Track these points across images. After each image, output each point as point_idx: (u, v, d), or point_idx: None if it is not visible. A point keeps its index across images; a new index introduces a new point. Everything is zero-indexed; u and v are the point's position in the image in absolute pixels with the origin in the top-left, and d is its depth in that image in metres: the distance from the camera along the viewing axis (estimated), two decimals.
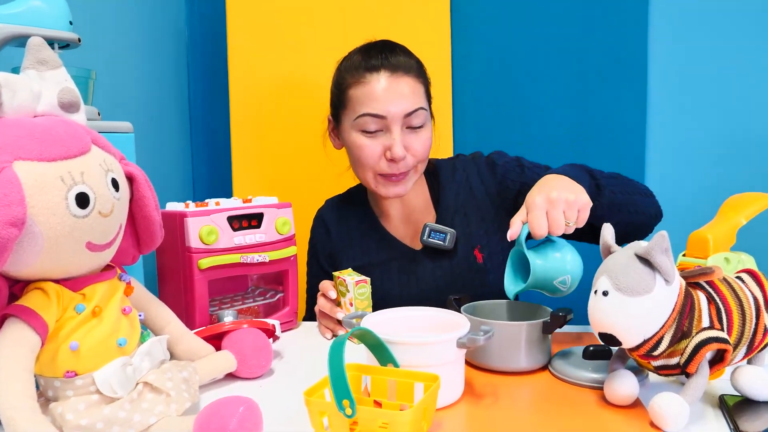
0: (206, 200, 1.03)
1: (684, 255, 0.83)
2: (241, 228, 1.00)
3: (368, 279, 1.00)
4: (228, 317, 0.93)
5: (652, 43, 1.45)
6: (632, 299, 0.65)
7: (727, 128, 1.45)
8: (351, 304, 0.99)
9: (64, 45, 0.88)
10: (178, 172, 1.68)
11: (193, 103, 1.72)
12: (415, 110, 1.04)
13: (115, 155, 0.73)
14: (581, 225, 0.85)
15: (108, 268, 0.73)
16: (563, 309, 0.83)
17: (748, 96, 1.44)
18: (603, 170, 1.04)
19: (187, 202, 1.00)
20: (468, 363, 0.86)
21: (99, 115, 0.88)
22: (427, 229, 1.10)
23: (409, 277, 1.14)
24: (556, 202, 0.83)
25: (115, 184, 0.69)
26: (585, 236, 0.96)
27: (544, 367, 0.86)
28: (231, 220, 0.99)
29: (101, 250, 0.68)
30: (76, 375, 0.64)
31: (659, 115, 1.47)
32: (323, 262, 1.23)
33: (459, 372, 0.76)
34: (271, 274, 1.10)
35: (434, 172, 1.19)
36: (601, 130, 1.48)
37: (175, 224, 0.97)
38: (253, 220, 1.02)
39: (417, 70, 1.07)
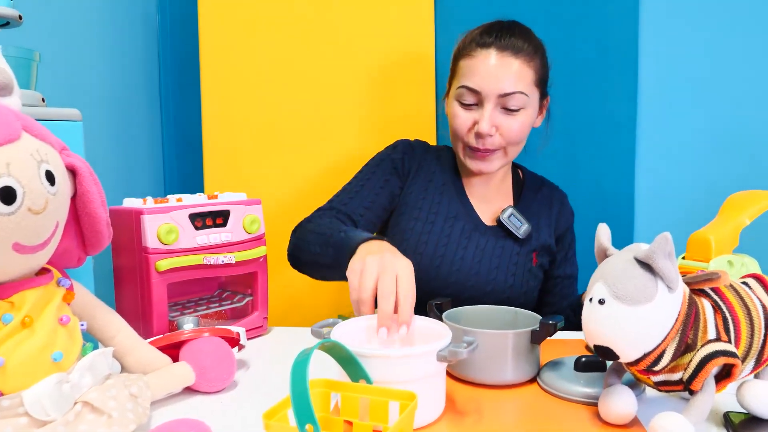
0: (167, 196, 0.94)
1: (684, 258, 0.77)
2: (204, 226, 0.92)
3: None
4: (188, 324, 0.85)
5: (643, 36, 1.39)
6: (632, 308, 0.58)
7: (722, 124, 1.39)
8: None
9: (4, 23, 0.79)
10: (149, 167, 1.59)
11: (164, 95, 1.64)
12: (512, 93, 1.04)
13: (54, 145, 0.65)
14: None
15: (44, 272, 0.65)
16: (553, 317, 0.77)
17: (742, 91, 1.38)
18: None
19: (146, 198, 0.92)
20: (449, 374, 0.79)
21: (43, 101, 0.79)
22: (510, 210, 1.12)
23: (468, 242, 1.11)
24: None
25: (50, 177, 0.60)
26: None
27: (533, 380, 0.79)
28: (193, 218, 0.91)
29: (32, 252, 0.59)
30: (1, 395, 0.56)
31: (650, 110, 1.41)
32: (391, 172, 1.14)
33: (439, 388, 0.68)
34: (240, 276, 1.02)
35: (521, 175, 1.22)
36: (589, 127, 1.42)
37: (132, 222, 0.88)
38: (219, 218, 0.94)
39: (530, 54, 1.06)
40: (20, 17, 0.78)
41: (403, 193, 1.15)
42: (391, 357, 0.64)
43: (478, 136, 1.06)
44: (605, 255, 0.65)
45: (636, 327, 0.58)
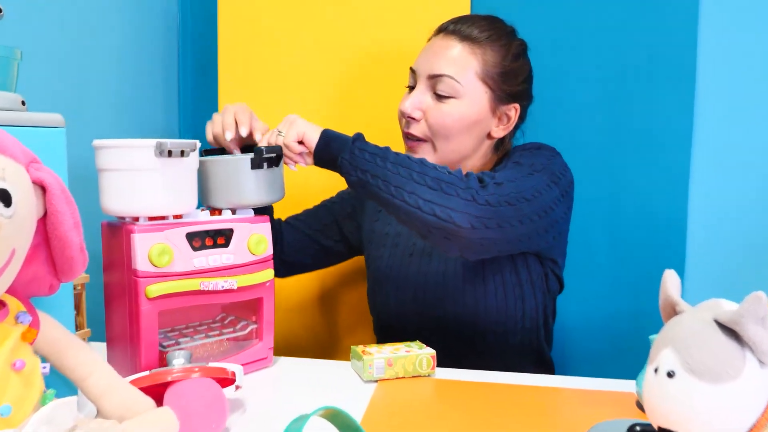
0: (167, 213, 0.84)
1: None
2: (203, 247, 0.82)
3: None
4: (178, 359, 0.74)
5: (702, 42, 1.25)
6: (710, 386, 0.46)
7: None
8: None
9: None
10: None
11: (183, 101, 1.55)
12: (440, 75, 0.97)
13: (17, 158, 0.55)
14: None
15: None
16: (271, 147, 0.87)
17: None
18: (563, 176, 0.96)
19: (140, 214, 0.82)
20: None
21: (23, 104, 0.70)
22: None
23: (431, 259, 1.03)
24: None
25: (5, 198, 0.51)
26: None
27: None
28: (191, 237, 0.81)
29: None
30: None
31: (708, 124, 1.27)
32: (352, 199, 1.17)
33: None
34: (244, 301, 0.92)
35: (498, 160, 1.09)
36: (639, 136, 1.27)
37: (122, 240, 0.79)
38: (220, 238, 0.84)
39: (480, 43, 0.98)
40: (0, 10, 0.69)
41: (360, 218, 1.15)
42: None
43: (402, 118, 1.02)
44: (674, 311, 0.52)
45: (715, 410, 0.46)
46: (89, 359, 0.65)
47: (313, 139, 0.89)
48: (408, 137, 1.03)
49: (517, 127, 1.06)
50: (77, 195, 0.88)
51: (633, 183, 1.28)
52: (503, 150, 1.08)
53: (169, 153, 0.72)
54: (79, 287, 1.01)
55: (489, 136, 1.03)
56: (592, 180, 1.24)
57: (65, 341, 0.64)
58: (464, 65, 0.98)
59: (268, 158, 0.86)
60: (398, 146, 1.24)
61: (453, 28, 1.00)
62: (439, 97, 0.98)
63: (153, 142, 0.72)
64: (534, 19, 1.16)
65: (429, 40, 1.05)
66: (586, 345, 1.31)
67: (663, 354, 0.49)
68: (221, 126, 0.94)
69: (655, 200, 1.27)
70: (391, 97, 1.34)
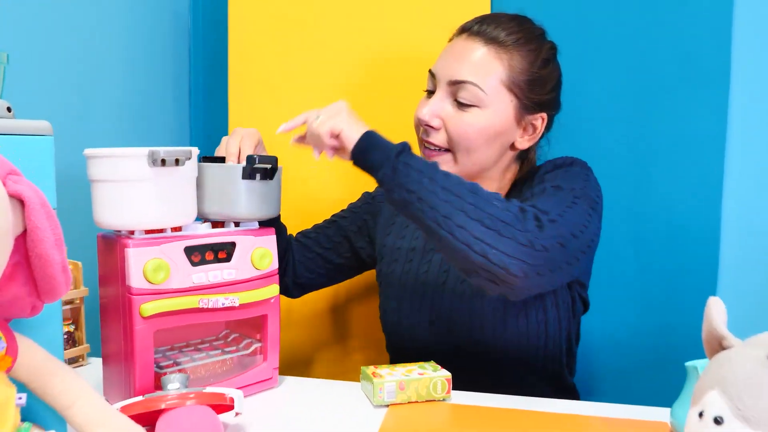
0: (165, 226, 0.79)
1: None
2: (203, 262, 0.78)
3: None
4: (173, 384, 0.70)
5: (737, 39, 1.18)
6: None
7: None
8: None
9: None
10: None
11: (194, 105, 1.51)
12: (462, 82, 0.89)
13: None
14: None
15: None
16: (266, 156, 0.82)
17: None
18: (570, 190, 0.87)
19: (136, 227, 0.78)
20: None
21: (10, 110, 0.66)
22: None
23: (447, 279, 0.96)
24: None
25: None
26: None
27: None
28: (190, 251, 0.76)
29: None
30: None
31: (742, 131, 1.19)
32: (363, 214, 1.11)
33: None
34: (247, 318, 0.87)
35: (522, 173, 1.01)
36: (669, 143, 1.20)
37: (116, 255, 0.74)
38: (221, 252, 0.79)
39: (506, 47, 0.90)
40: None
41: (374, 232, 1.08)
42: None
43: (419, 126, 0.94)
44: (720, 346, 0.46)
45: None
46: (75, 386, 0.60)
47: (351, 139, 0.80)
48: (425, 145, 0.95)
49: (542, 136, 0.98)
50: (78, 206, 0.85)
51: (662, 193, 1.21)
52: (528, 162, 1.00)
53: (163, 162, 0.68)
54: (78, 301, 0.97)
55: (512, 146, 0.95)
56: (619, 190, 1.17)
57: (48, 367, 0.59)
58: (489, 71, 0.89)
59: (261, 169, 0.81)
60: None
61: (477, 29, 0.91)
62: (461, 105, 0.90)
63: (145, 150, 0.67)
64: (557, 18, 1.08)
65: (450, 40, 0.96)
66: (612, 365, 1.24)
67: (709, 397, 0.42)
68: (225, 151, 0.90)
69: (686, 211, 1.19)
70: (405, 100, 1.28)
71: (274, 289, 0.84)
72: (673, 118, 1.20)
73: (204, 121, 1.53)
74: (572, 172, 0.90)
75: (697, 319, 1.19)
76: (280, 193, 0.88)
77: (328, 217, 1.14)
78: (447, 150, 0.92)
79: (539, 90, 0.92)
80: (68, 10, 1.08)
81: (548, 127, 0.97)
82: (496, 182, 0.98)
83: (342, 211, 1.13)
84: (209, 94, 1.51)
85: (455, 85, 0.89)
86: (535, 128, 0.94)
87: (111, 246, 0.75)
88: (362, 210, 1.11)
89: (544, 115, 0.94)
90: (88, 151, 0.71)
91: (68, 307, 0.95)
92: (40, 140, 0.65)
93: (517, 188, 0.98)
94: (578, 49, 1.20)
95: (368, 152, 0.80)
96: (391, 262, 1.03)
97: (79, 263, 0.95)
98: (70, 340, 0.95)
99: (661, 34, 1.19)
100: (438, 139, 0.92)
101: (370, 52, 1.27)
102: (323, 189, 1.30)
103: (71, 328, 0.95)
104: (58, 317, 0.68)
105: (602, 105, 1.23)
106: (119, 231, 0.76)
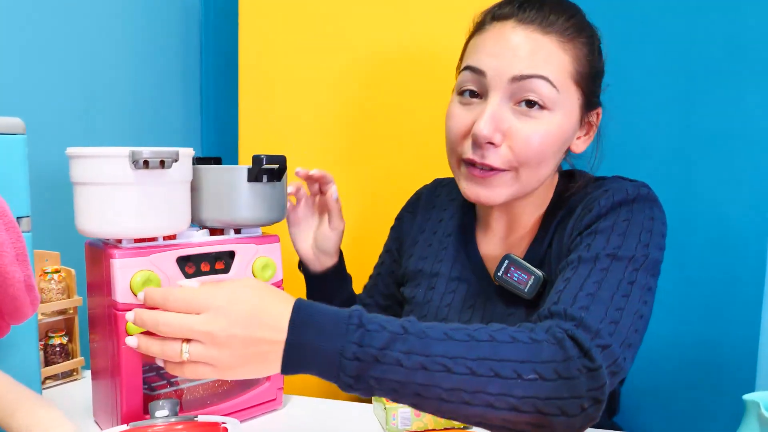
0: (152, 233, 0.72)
1: None
2: (198, 273, 0.70)
3: None
4: (161, 410, 0.62)
5: None
6: None
7: None
8: None
9: None
10: None
11: (205, 103, 1.45)
12: (531, 76, 0.70)
13: None
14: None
15: None
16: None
17: None
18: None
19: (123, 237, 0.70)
20: None
21: None
22: (506, 262, 0.78)
23: (472, 313, 0.82)
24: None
25: None
26: None
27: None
28: (183, 261, 0.69)
29: None
30: None
31: None
32: (392, 244, 0.98)
33: None
34: None
35: (563, 188, 0.82)
36: (715, 140, 1.09)
37: (101, 266, 0.67)
38: (219, 262, 0.72)
39: (569, 33, 0.73)
40: None
41: (404, 251, 0.94)
42: None
43: (476, 143, 0.73)
44: None
45: None
46: (46, 418, 0.53)
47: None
48: (469, 164, 0.75)
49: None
50: (73, 210, 0.78)
51: (706, 195, 1.10)
52: (583, 180, 0.81)
53: (146, 164, 0.60)
54: (72, 311, 0.91)
55: (565, 151, 0.80)
56: (660, 190, 1.08)
57: (17, 398, 0.53)
58: (558, 64, 0.72)
59: (269, 170, 0.73)
60: (433, 166, 1.09)
61: (525, 16, 0.73)
62: (526, 109, 0.72)
63: (126, 150, 0.60)
64: (596, 4, 0.99)
65: (482, 29, 0.77)
66: (652, 383, 1.14)
67: None
68: None
69: (730, 214, 1.09)
70: (419, 98, 1.20)
71: None
72: (720, 113, 1.09)
73: (215, 120, 1.47)
74: (635, 220, 0.72)
75: (742, 333, 1.07)
76: (286, 196, 0.80)
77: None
78: (507, 169, 0.74)
79: (598, 81, 0.79)
80: (73, 4, 1.02)
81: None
82: (540, 199, 0.81)
83: (381, 255, 1.01)
84: (220, 93, 1.45)
85: (521, 81, 0.71)
86: (591, 127, 0.80)
87: (97, 256, 0.68)
88: (392, 246, 0.98)
89: (600, 110, 0.80)
90: (69, 151, 0.64)
91: (61, 317, 0.89)
92: (11, 139, 0.58)
93: (558, 208, 0.81)
94: (617, 37, 1.10)
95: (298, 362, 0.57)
96: (412, 287, 0.90)
97: (73, 271, 0.89)
98: (63, 353, 0.89)
99: (710, 21, 1.09)
100: (500, 158, 0.73)
101: (385, 47, 1.19)
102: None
103: (64, 340, 0.89)
104: (33, 337, 0.62)
105: (642, 99, 1.13)
106: (108, 240, 0.69)
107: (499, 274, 0.78)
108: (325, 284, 0.93)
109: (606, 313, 0.63)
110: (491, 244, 0.85)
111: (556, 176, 0.84)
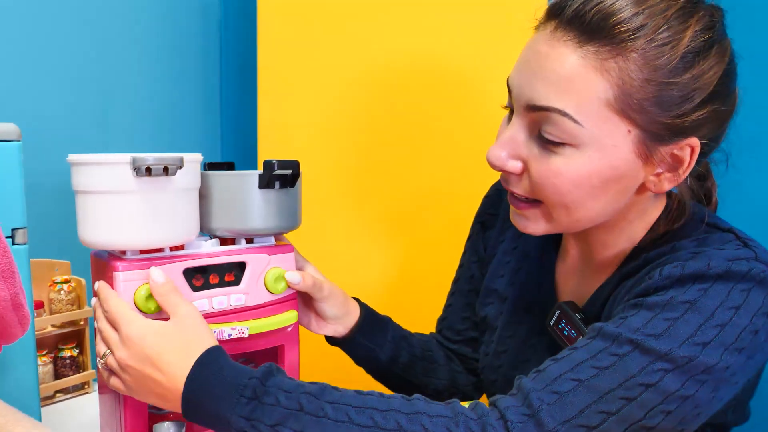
0: (157, 244, 0.68)
1: None
2: (207, 286, 0.67)
3: None
4: None
5: None
6: None
7: None
8: None
9: None
10: None
11: (224, 107, 1.42)
12: (543, 108, 0.57)
13: None
14: None
15: None
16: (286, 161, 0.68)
17: None
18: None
19: (127, 248, 0.67)
20: None
21: None
22: (558, 313, 0.68)
23: (532, 354, 0.73)
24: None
25: None
26: None
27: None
28: (190, 274, 0.65)
29: None
30: None
31: None
32: (463, 272, 0.86)
33: None
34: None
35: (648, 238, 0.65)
36: (756, 143, 1.02)
37: (106, 278, 0.64)
38: (228, 274, 0.68)
39: (618, 42, 0.54)
40: None
41: (485, 266, 0.83)
42: None
43: (503, 174, 0.64)
44: None
45: None
46: None
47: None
48: (512, 195, 0.65)
49: (695, 167, 0.61)
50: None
51: (750, 193, 1.03)
52: (671, 225, 0.64)
53: (148, 171, 0.56)
54: (82, 322, 0.88)
55: (642, 189, 0.62)
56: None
57: (10, 420, 0.49)
58: (582, 91, 0.56)
59: (282, 176, 0.69)
60: (452, 172, 1.04)
61: (567, 18, 0.57)
62: (546, 143, 0.58)
63: (128, 157, 0.56)
64: None
65: (536, 28, 0.62)
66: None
67: None
68: None
69: None
70: (439, 103, 1.15)
71: (291, 315, 0.72)
72: (759, 107, 1.02)
73: (234, 125, 1.45)
74: (703, 305, 0.54)
75: None
76: (300, 202, 0.76)
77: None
78: (536, 201, 0.62)
79: (677, 107, 0.56)
80: (88, 6, 1.00)
81: (705, 154, 0.62)
82: (625, 234, 0.66)
83: (458, 271, 0.88)
84: (239, 97, 1.43)
85: (533, 111, 0.59)
86: (679, 162, 0.59)
87: (102, 268, 0.65)
88: (470, 258, 0.86)
89: (695, 141, 0.58)
90: (70, 157, 0.61)
91: (71, 329, 0.87)
92: (7, 146, 0.55)
93: (651, 248, 0.64)
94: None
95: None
96: (484, 306, 0.81)
97: (83, 280, 0.87)
98: (74, 366, 0.86)
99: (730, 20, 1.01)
100: (522, 188, 0.62)
101: (405, 51, 1.15)
102: (340, 192, 1.18)
103: (75, 352, 0.86)
104: (30, 357, 0.59)
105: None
106: (113, 251, 0.66)
107: (551, 323, 0.69)
108: (360, 344, 0.81)
109: (581, 413, 0.51)
110: (568, 270, 0.74)
111: (660, 203, 0.66)
